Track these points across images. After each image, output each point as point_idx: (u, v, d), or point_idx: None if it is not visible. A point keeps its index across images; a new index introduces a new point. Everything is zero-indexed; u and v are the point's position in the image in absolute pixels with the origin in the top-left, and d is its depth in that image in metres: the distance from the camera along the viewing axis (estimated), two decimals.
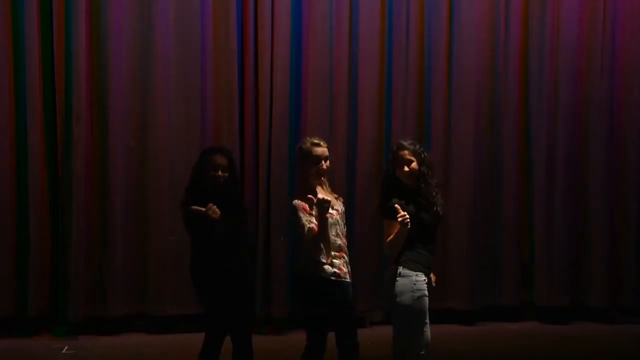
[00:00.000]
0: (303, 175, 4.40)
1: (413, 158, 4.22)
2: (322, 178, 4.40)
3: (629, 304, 7.08)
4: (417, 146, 4.30)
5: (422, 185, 4.21)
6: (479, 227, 6.91)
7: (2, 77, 6.10)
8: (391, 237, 4.10)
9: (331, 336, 4.32)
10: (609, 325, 6.94)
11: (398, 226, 4.03)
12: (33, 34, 6.10)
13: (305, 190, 4.29)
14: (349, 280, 4.32)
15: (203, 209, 4.05)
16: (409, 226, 4.00)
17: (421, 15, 6.81)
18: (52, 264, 6.23)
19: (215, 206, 4.07)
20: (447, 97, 6.85)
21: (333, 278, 4.23)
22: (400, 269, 4.11)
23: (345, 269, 4.30)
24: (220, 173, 4.23)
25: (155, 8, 6.31)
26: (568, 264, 7.03)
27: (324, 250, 4.22)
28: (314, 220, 4.22)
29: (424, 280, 4.13)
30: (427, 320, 4.21)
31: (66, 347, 5.91)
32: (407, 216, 4.00)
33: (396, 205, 4.03)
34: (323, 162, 4.35)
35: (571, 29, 7.02)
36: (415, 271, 4.11)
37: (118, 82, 6.28)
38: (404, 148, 4.23)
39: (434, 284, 4.32)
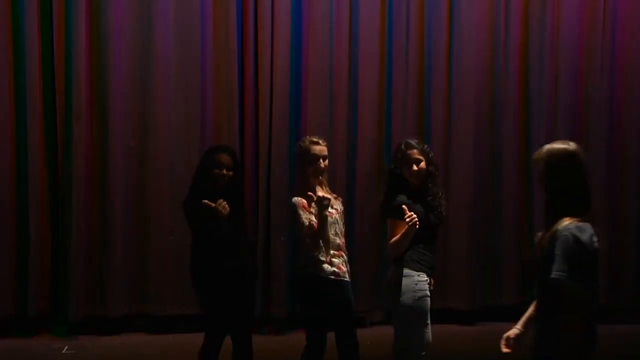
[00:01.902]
0: (302, 174, 4.41)
1: (422, 157, 4.21)
2: (321, 177, 4.41)
3: (629, 304, 7.08)
4: (425, 146, 4.30)
5: (430, 185, 4.21)
6: (479, 227, 6.91)
7: (2, 77, 6.10)
8: (397, 237, 4.07)
9: (331, 336, 4.32)
10: (609, 325, 6.92)
11: (404, 226, 4.01)
12: (33, 34, 6.09)
13: (304, 189, 4.30)
14: (348, 279, 4.32)
15: (213, 204, 4.05)
16: (417, 227, 3.99)
17: (421, 15, 6.81)
18: (52, 264, 6.23)
19: (225, 202, 4.07)
20: (447, 97, 6.85)
21: (332, 277, 4.23)
22: (403, 269, 4.11)
23: (344, 268, 4.31)
24: (224, 172, 4.23)
25: (155, 8, 6.31)
26: None
27: (322, 248, 4.22)
28: (313, 218, 4.22)
29: (426, 280, 4.12)
30: (429, 321, 4.20)
31: (66, 347, 5.91)
32: (415, 216, 3.98)
33: (403, 206, 4.02)
34: (321, 160, 4.35)
35: (571, 29, 7.03)
36: (418, 271, 4.10)
37: (118, 82, 6.28)
38: (413, 147, 4.22)
39: (431, 287, 4.31)
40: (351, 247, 4.55)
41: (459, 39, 6.85)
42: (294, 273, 4.65)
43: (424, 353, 4.16)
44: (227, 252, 4.20)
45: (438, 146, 6.73)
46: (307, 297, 4.30)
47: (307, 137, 4.51)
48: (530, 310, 3.27)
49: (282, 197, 6.24)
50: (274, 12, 6.47)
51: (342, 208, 4.51)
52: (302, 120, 6.58)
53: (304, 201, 4.26)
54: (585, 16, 7.02)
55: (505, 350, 3.20)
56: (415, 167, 4.19)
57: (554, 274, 2.89)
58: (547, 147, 3.14)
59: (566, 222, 2.97)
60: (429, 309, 4.12)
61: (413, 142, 4.27)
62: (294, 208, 4.27)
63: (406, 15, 6.77)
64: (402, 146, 4.27)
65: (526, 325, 3.29)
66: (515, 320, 7.44)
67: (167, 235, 6.28)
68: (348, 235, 4.64)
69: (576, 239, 2.92)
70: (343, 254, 4.34)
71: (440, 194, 4.25)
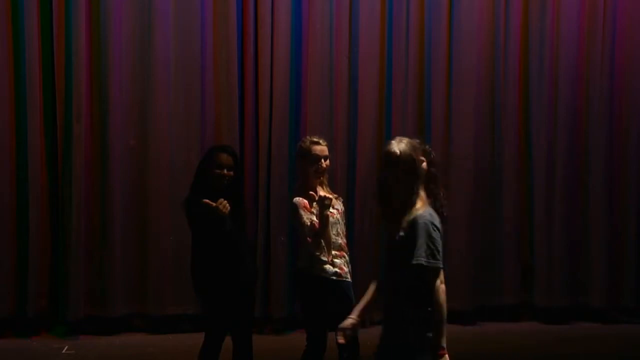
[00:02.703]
0: (303, 174, 4.40)
1: (423, 158, 4.20)
2: (322, 177, 4.40)
3: (629, 304, 7.08)
4: (427, 146, 4.27)
5: (432, 185, 4.19)
6: (479, 227, 6.91)
7: (2, 77, 6.09)
8: None
9: (331, 336, 4.31)
10: (609, 325, 6.93)
11: None
12: (33, 34, 6.09)
13: (305, 189, 4.30)
14: (349, 279, 4.32)
15: (214, 204, 4.05)
16: None
17: (421, 15, 6.81)
18: (52, 264, 6.22)
19: (226, 201, 4.07)
20: (447, 97, 6.85)
21: (334, 278, 4.24)
22: None
23: (346, 269, 4.31)
24: (225, 172, 4.24)
25: (155, 8, 6.30)
26: (568, 264, 7.04)
27: (324, 248, 4.22)
28: (314, 218, 4.22)
29: None
30: None
31: (66, 347, 5.90)
32: None
33: None
34: (322, 160, 4.35)
35: (571, 29, 7.03)
36: None
37: (118, 82, 6.28)
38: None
39: None
40: (351, 247, 4.55)
41: (459, 39, 6.85)
42: (295, 273, 4.65)
43: None
44: (228, 252, 4.20)
45: (438, 146, 6.72)
46: (309, 298, 4.30)
47: (308, 137, 4.51)
48: (367, 298, 3.37)
49: (283, 197, 6.25)
50: (274, 12, 6.47)
51: (343, 208, 4.51)
52: (302, 120, 6.58)
53: (305, 201, 4.26)
54: (585, 16, 7.02)
55: (340, 341, 3.28)
56: None
57: (418, 260, 3.02)
58: (401, 146, 3.35)
59: (420, 209, 3.13)
60: None
61: (415, 142, 4.25)
62: (295, 208, 4.27)
63: (406, 15, 6.76)
64: None
65: (362, 314, 3.35)
66: (515, 320, 7.48)
67: (167, 235, 6.28)
68: (348, 235, 4.63)
69: (433, 224, 3.11)
70: (345, 254, 4.34)
71: (442, 194, 4.22)
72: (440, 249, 3.09)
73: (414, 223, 3.09)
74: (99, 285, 6.27)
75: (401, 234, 3.10)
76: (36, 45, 6.10)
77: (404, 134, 6.13)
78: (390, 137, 6.55)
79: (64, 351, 5.83)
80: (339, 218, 4.38)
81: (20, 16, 6.08)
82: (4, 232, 6.11)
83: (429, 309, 3.07)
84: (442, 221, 4.25)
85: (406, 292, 3.10)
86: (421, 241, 3.05)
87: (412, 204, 3.14)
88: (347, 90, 6.68)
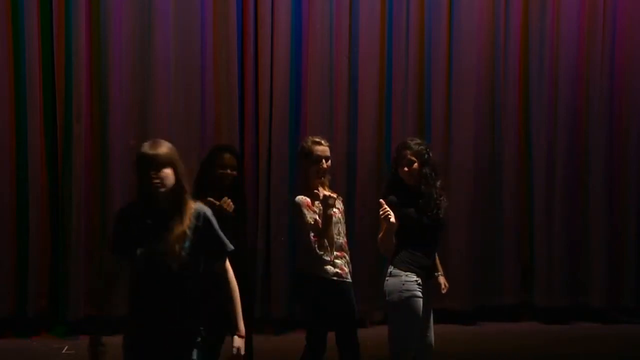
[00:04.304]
0: (304, 174, 4.40)
1: (414, 159, 4.17)
2: (323, 177, 4.39)
3: (629, 304, 7.08)
4: (423, 147, 4.22)
5: (423, 186, 4.17)
6: (479, 227, 6.91)
7: (2, 77, 6.09)
8: (381, 233, 4.08)
9: (331, 336, 4.32)
10: (609, 325, 6.93)
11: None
12: (33, 34, 6.09)
13: (307, 189, 4.29)
14: (350, 280, 4.32)
15: (217, 202, 4.05)
16: (391, 220, 3.94)
17: (421, 15, 6.82)
18: (52, 264, 6.22)
19: (230, 200, 4.06)
20: (447, 97, 6.85)
21: (335, 278, 4.23)
22: (392, 269, 4.09)
23: (346, 269, 4.30)
24: (229, 172, 4.24)
25: (155, 8, 6.30)
26: (568, 264, 7.04)
27: (327, 247, 4.21)
28: (317, 217, 4.22)
29: (415, 280, 4.05)
30: (430, 324, 4.18)
31: (66, 347, 5.90)
32: (388, 211, 3.94)
33: (380, 200, 4.01)
34: (323, 161, 4.34)
35: (571, 29, 7.03)
36: (406, 271, 4.06)
37: (118, 82, 6.27)
38: (408, 148, 4.18)
39: (443, 290, 4.28)
40: (351, 247, 4.54)
41: (459, 39, 6.85)
42: (295, 274, 4.64)
43: (420, 353, 4.14)
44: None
45: (438, 146, 6.72)
46: (308, 297, 4.30)
47: (310, 137, 4.50)
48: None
49: (282, 197, 6.24)
50: (274, 12, 6.47)
51: (343, 207, 4.51)
52: (302, 121, 6.58)
53: (308, 200, 4.26)
54: (585, 16, 7.02)
55: None
56: (406, 169, 4.16)
57: (231, 247, 3.22)
58: (165, 144, 3.42)
59: (194, 201, 3.20)
60: (420, 309, 4.04)
61: (411, 142, 4.23)
62: (298, 207, 4.25)
63: (406, 15, 6.76)
64: (400, 146, 4.26)
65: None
66: (515, 320, 7.46)
67: None
68: (348, 235, 4.63)
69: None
70: (345, 254, 4.33)
71: (436, 196, 4.19)
72: None
73: (203, 216, 3.15)
74: (99, 285, 6.26)
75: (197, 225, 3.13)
76: (36, 45, 6.10)
77: (404, 134, 6.22)
78: (390, 137, 6.69)
79: (64, 351, 5.83)
80: (340, 217, 4.38)
81: (20, 16, 6.08)
82: (4, 232, 6.11)
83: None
84: (439, 222, 4.23)
85: (195, 281, 3.24)
86: (219, 228, 3.17)
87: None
88: (347, 90, 6.68)
